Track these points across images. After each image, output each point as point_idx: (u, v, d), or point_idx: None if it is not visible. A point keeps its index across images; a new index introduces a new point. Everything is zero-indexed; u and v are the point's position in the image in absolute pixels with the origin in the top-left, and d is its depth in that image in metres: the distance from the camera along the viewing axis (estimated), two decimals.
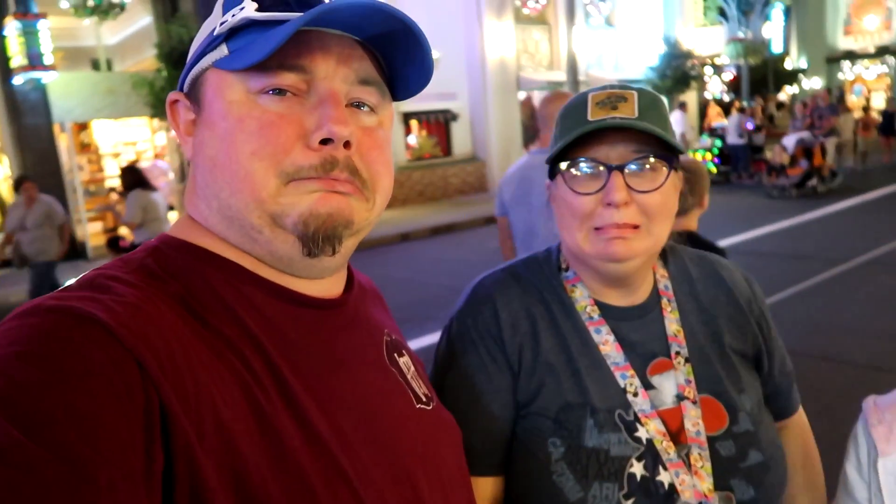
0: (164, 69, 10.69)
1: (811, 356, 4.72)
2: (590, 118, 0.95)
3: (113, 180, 12.31)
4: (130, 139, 13.22)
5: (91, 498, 0.47)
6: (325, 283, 0.77)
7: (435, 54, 0.78)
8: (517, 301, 1.05)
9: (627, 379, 0.98)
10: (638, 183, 0.94)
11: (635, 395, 0.97)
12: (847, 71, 30.19)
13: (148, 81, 10.82)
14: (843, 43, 30.05)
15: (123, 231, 8.27)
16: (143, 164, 11.29)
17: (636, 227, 0.95)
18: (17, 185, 7.15)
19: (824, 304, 6.00)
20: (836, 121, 14.39)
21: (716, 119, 18.06)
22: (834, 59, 30.06)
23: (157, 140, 13.34)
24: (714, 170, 14.46)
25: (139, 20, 13.36)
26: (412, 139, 15.15)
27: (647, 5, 19.47)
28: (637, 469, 0.93)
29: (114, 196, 11.30)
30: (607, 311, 1.04)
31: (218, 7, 0.73)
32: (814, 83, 28.14)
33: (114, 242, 7.98)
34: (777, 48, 27.26)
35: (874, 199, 11.58)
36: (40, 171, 10.64)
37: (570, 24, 13.88)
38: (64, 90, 10.95)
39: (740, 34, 22.07)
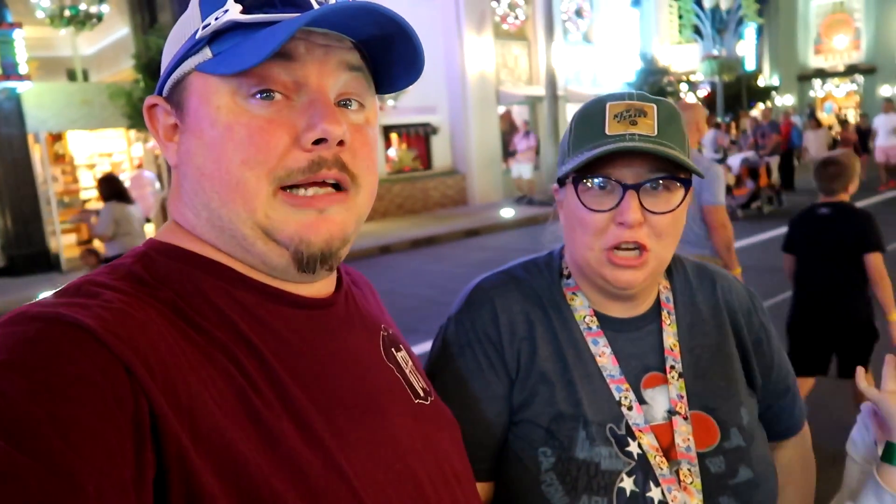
0: (142, 80, 10.60)
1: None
2: (608, 132, 0.93)
3: (89, 191, 12.13)
4: (106, 150, 13.04)
5: None
6: (317, 284, 0.76)
7: None
8: (516, 305, 1.03)
9: (622, 392, 0.97)
10: (652, 203, 0.93)
11: (630, 408, 0.96)
12: (818, 89, 30.89)
13: (125, 92, 10.72)
14: (814, 61, 30.81)
15: (96, 244, 8.12)
16: (130, 174, 11.14)
17: (646, 249, 0.94)
18: None
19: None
20: (777, 138, 14.14)
21: None
22: (805, 77, 30.76)
23: (133, 151, 13.18)
24: None
25: (117, 31, 13.23)
26: (392, 152, 15.14)
27: (625, 23, 19.79)
28: (627, 484, 0.92)
29: (89, 207, 11.09)
30: (605, 322, 1.02)
31: (194, 7, 0.70)
32: (786, 100, 28.77)
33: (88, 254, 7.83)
34: (750, 66, 27.86)
35: None
36: (13, 181, 10.45)
37: (548, 40, 14.06)
38: (38, 100, 10.77)
39: (715, 52, 22.51)
